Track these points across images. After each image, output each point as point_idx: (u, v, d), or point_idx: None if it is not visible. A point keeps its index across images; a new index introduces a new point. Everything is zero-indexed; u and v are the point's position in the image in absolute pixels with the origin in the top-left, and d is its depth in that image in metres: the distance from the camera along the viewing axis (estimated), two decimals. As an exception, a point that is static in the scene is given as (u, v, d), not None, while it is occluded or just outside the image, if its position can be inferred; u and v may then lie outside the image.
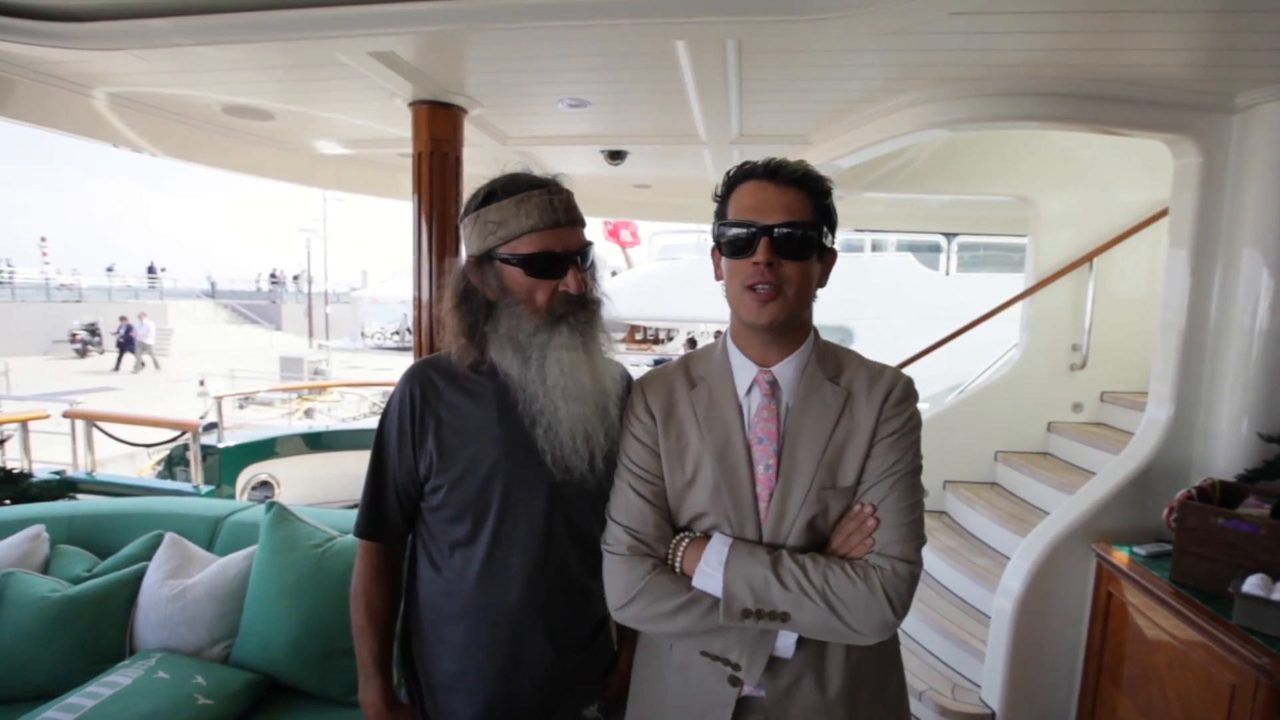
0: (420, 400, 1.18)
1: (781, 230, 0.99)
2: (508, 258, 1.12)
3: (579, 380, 1.12)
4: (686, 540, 1.05)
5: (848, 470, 1.04)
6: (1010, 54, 2.14)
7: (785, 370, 1.07)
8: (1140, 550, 2.16)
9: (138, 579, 2.06)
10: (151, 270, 30.11)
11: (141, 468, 5.76)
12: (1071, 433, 3.32)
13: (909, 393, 1.07)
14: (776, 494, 1.03)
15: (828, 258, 1.07)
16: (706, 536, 1.05)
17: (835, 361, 1.10)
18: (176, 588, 2.03)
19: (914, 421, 1.06)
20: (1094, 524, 2.32)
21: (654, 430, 1.11)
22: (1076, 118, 2.40)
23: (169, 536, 2.15)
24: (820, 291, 1.09)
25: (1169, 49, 2.00)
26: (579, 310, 1.14)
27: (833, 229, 1.06)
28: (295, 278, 34.12)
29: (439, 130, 2.66)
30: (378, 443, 1.22)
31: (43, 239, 35.52)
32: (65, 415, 3.85)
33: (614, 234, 17.92)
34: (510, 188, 1.12)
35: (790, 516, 1.02)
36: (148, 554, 2.14)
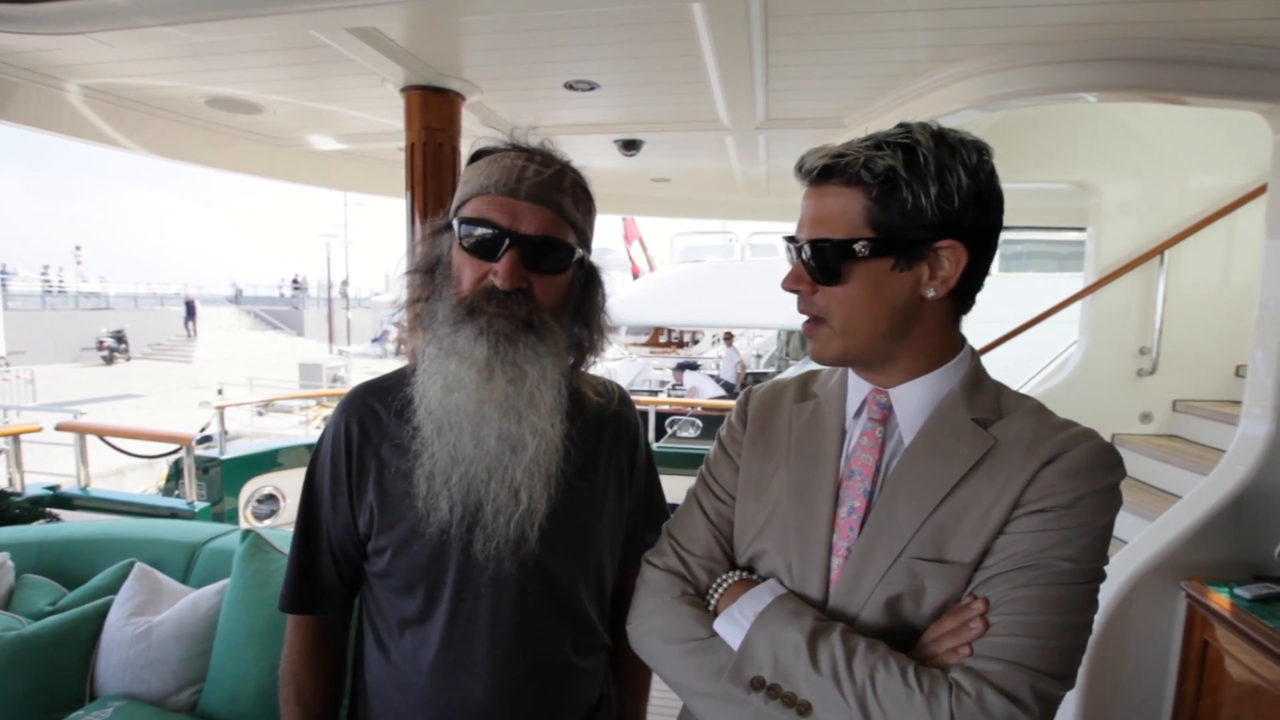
0: (359, 438, 0.93)
1: (806, 248, 0.76)
2: (454, 226, 0.89)
3: (460, 406, 0.85)
4: (733, 579, 0.83)
5: (963, 542, 0.73)
6: (1073, 9, 1.86)
7: (907, 395, 0.80)
8: (1243, 592, 1.84)
9: (101, 615, 1.88)
10: (191, 313, 29.15)
11: (161, 476, 5.67)
12: (1140, 446, 2.98)
13: (1097, 462, 0.72)
14: (856, 550, 0.76)
15: (929, 260, 0.74)
16: (761, 580, 0.82)
17: (993, 402, 0.79)
18: (141, 626, 1.84)
19: (1097, 505, 0.71)
20: (1181, 557, 2.00)
21: (741, 440, 0.92)
22: (1151, 86, 2.09)
23: (138, 567, 1.97)
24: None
25: (1269, -2, 1.70)
26: (502, 317, 0.85)
27: (925, 225, 0.72)
28: (344, 282, 34.42)
29: (433, 118, 2.44)
30: (306, 491, 0.97)
31: (77, 248, 36.71)
32: (58, 428, 3.72)
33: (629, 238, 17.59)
34: (494, 149, 0.91)
35: (866, 585, 0.75)
36: (116, 585, 1.96)
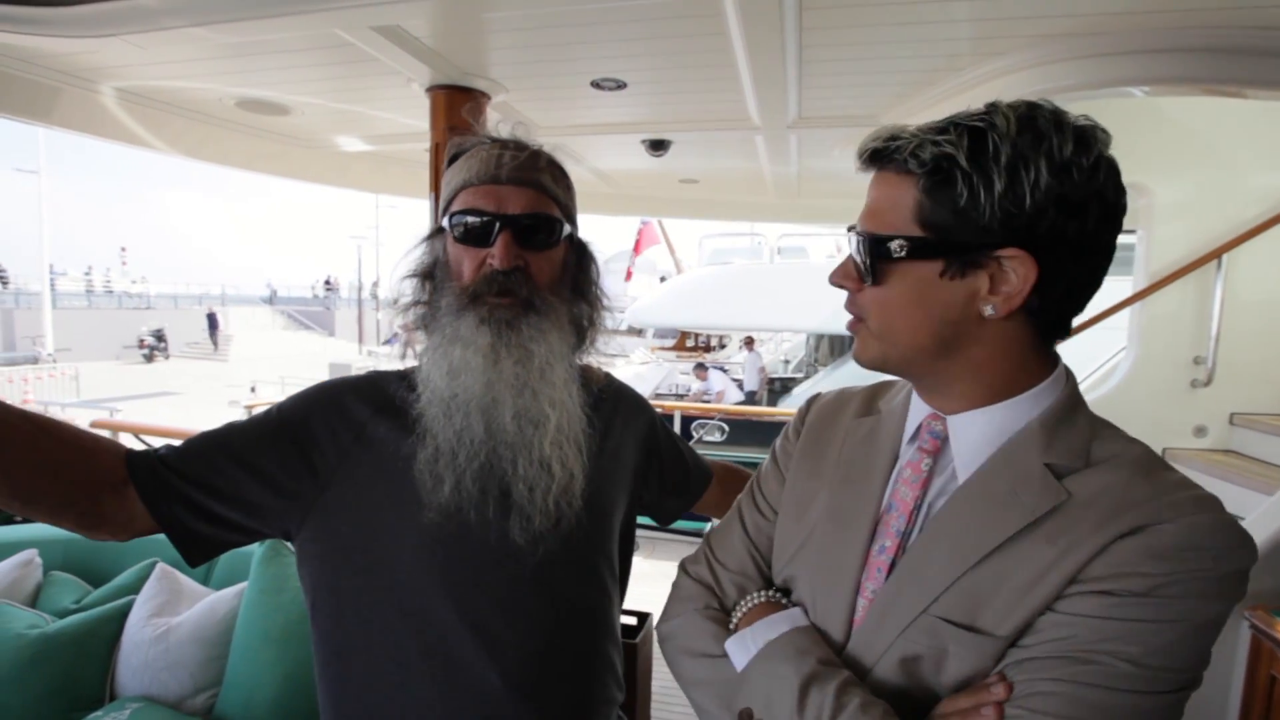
0: (361, 417, 0.92)
1: (853, 241, 0.67)
2: (445, 224, 0.91)
3: (468, 387, 0.85)
4: (759, 599, 0.78)
5: (1000, 611, 0.61)
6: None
7: (967, 426, 0.68)
8: (1317, 623, 1.70)
9: (123, 615, 1.89)
10: (213, 325, 28.15)
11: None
12: (1194, 461, 2.83)
13: (1204, 542, 0.57)
14: (881, 596, 0.68)
15: (989, 270, 0.62)
16: (789, 606, 0.76)
17: (1082, 446, 0.64)
18: (161, 627, 1.84)
19: (1192, 594, 0.56)
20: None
21: (793, 453, 0.85)
22: (1208, 79, 1.98)
23: (159, 567, 1.97)
24: None
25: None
26: (505, 297, 0.87)
27: (982, 227, 0.61)
28: (375, 283, 35.17)
29: (458, 118, 2.42)
30: (251, 421, 0.92)
31: (123, 249, 38.20)
32: (92, 425, 3.80)
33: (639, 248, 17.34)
34: (469, 145, 0.93)
35: (884, 639, 0.66)
36: (138, 585, 1.97)
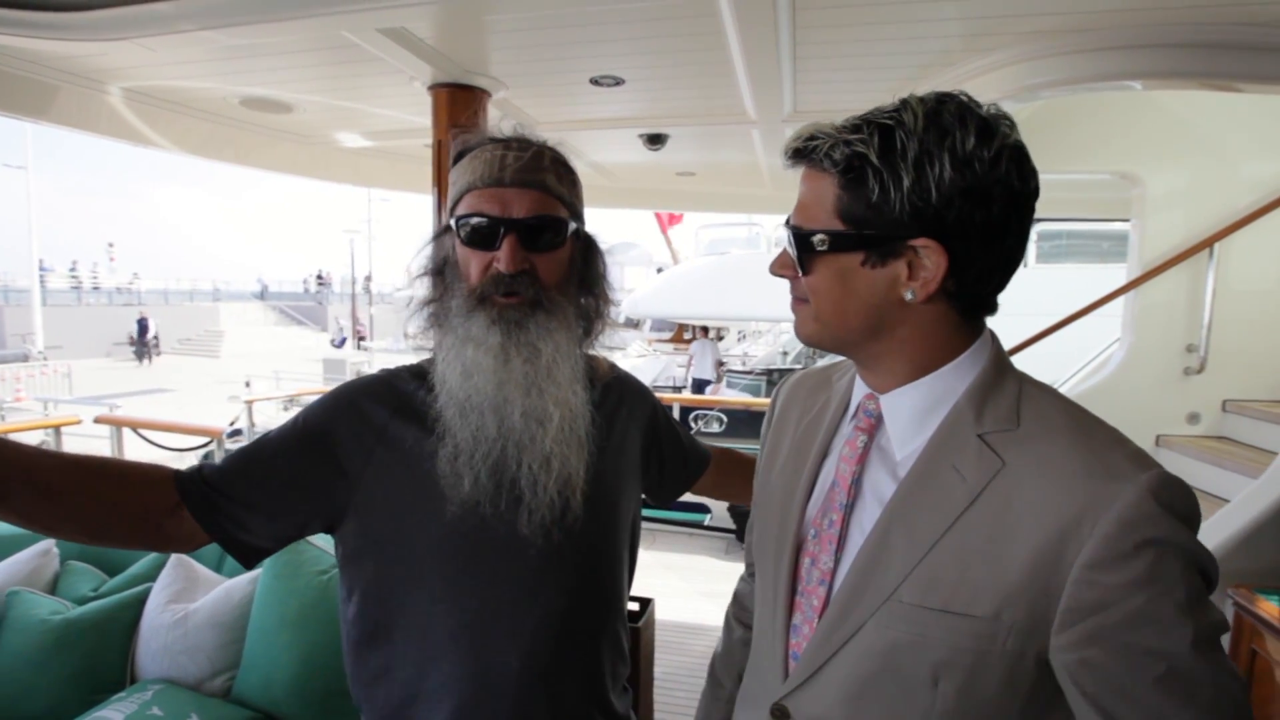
0: (380, 419, 0.95)
1: (788, 233, 0.71)
2: (452, 225, 0.92)
3: (480, 389, 0.88)
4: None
5: (974, 593, 0.62)
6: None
7: (899, 403, 0.71)
8: (1298, 601, 1.77)
9: (141, 602, 1.94)
10: (143, 331, 23.13)
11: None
12: (1187, 448, 2.88)
13: (1156, 513, 0.59)
14: (845, 584, 0.69)
15: (906, 259, 0.65)
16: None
17: (1009, 410, 0.67)
18: (179, 613, 1.89)
19: (1170, 577, 0.58)
20: (1229, 564, 1.92)
21: (767, 435, 0.90)
22: (1204, 73, 2.00)
23: (175, 555, 2.01)
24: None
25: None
26: (512, 298, 0.89)
27: (893, 220, 0.64)
28: (367, 278, 34.71)
29: (460, 116, 2.45)
30: (283, 430, 0.96)
31: (110, 245, 37.89)
32: (96, 421, 3.84)
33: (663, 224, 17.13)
34: (473, 145, 0.93)
35: (850, 626, 0.67)
36: (154, 573, 2.02)
